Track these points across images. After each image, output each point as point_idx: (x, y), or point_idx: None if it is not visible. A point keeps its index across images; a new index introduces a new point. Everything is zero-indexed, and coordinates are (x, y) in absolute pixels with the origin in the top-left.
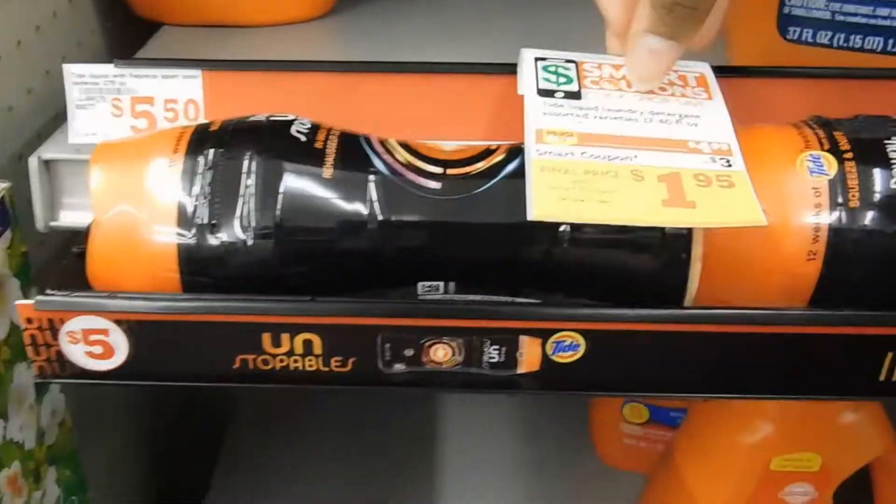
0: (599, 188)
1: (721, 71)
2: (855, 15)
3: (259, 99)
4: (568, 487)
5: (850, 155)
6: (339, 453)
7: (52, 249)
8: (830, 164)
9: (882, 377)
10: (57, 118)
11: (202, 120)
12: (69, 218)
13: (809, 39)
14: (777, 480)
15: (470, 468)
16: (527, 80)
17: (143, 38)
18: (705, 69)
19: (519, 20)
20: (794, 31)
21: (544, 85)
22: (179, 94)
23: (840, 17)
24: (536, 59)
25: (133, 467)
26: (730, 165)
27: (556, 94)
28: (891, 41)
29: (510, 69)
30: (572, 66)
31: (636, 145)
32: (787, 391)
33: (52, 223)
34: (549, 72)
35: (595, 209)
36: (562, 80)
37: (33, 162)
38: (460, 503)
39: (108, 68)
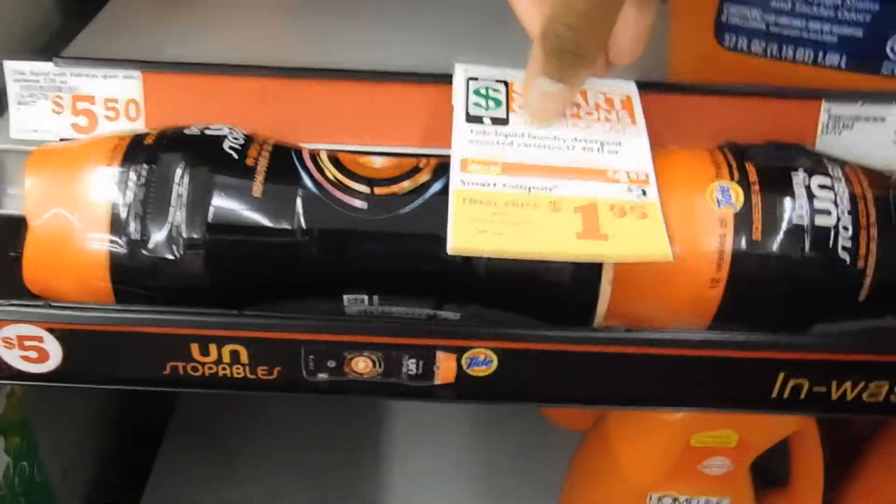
0: (517, 220)
1: (647, 87)
2: (788, 27)
3: (198, 100)
4: (510, 440)
5: (757, 187)
6: (285, 450)
7: None
8: (738, 196)
9: (774, 394)
10: None
11: (142, 121)
12: (12, 205)
13: (744, 48)
14: (697, 454)
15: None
16: (457, 100)
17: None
18: (632, 90)
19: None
20: (731, 39)
21: (473, 111)
22: (120, 94)
23: (774, 29)
24: (469, 80)
25: (86, 434)
26: (645, 195)
27: (484, 120)
28: (820, 53)
29: (445, 79)
30: (502, 87)
31: (557, 174)
32: (686, 404)
33: None
34: (479, 95)
35: (511, 243)
36: (491, 104)
37: None
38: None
39: (49, 66)
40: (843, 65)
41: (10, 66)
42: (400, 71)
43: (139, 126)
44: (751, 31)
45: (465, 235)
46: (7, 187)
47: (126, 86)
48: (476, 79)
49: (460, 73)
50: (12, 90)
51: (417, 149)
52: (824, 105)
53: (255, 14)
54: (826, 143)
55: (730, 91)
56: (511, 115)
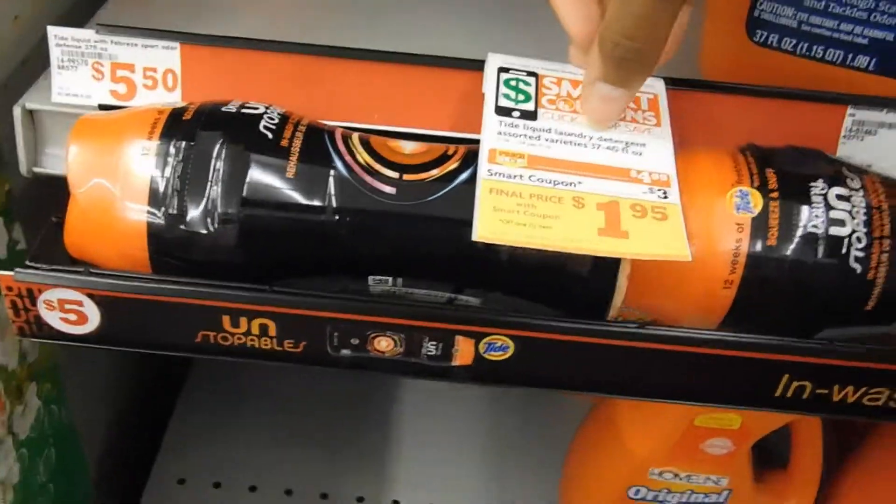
0: (542, 213)
1: (674, 84)
2: (820, 27)
3: (235, 74)
4: (518, 413)
5: (775, 195)
6: (300, 406)
7: (35, 191)
8: (756, 203)
9: (778, 393)
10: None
11: (179, 91)
12: (51, 164)
13: (775, 44)
14: (700, 434)
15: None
16: (489, 89)
17: None
18: (660, 89)
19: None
20: (762, 35)
21: (503, 102)
22: (158, 64)
23: (806, 28)
24: (500, 70)
25: (109, 382)
26: (666, 197)
27: (513, 114)
28: (850, 55)
29: (477, 66)
30: (533, 80)
31: (582, 171)
32: (692, 398)
33: (35, 169)
34: (510, 87)
35: (534, 234)
36: (520, 97)
37: (17, 112)
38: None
39: (90, 33)
40: (872, 67)
41: (53, 31)
42: (433, 55)
43: (176, 96)
44: (782, 28)
45: (490, 224)
46: (47, 147)
47: (165, 56)
48: (507, 70)
49: (493, 62)
50: (54, 54)
51: (447, 132)
52: (849, 110)
53: None
54: (849, 147)
55: (756, 91)
56: (540, 110)
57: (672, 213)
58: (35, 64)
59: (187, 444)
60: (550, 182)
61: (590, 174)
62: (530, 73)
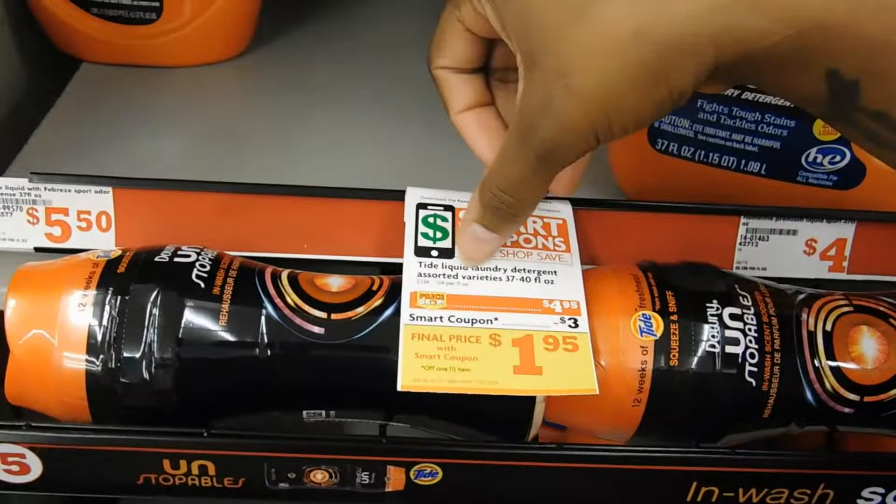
0: (461, 355)
1: (580, 204)
2: (714, 137)
3: (165, 213)
4: None
5: (675, 317)
6: None
7: None
8: (658, 326)
9: (689, 498)
10: None
11: (112, 231)
12: None
13: (675, 152)
14: None
15: None
16: (408, 228)
17: (63, 72)
18: (567, 213)
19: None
20: (663, 143)
21: (422, 242)
22: (92, 207)
23: (701, 137)
24: (418, 207)
25: None
26: (576, 326)
27: (432, 253)
28: (742, 161)
29: (397, 196)
30: (449, 214)
31: (497, 306)
32: None
33: None
34: (428, 225)
35: (455, 378)
36: (438, 234)
37: None
38: None
39: (23, 182)
40: (763, 172)
41: None
42: (353, 188)
43: (110, 236)
44: (681, 137)
45: (413, 372)
46: None
47: (98, 199)
48: (425, 206)
49: (411, 198)
50: None
51: (372, 258)
52: (743, 220)
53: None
54: (745, 253)
55: (658, 207)
56: (456, 247)
57: (582, 344)
58: None
59: None
60: (468, 321)
61: (505, 308)
62: (447, 208)
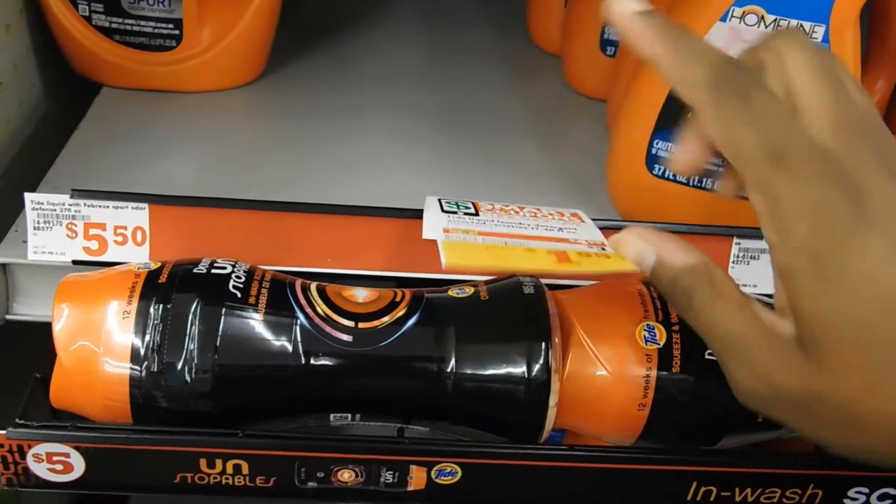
0: (499, 255)
1: None
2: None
3: (198, 229)
4: None
5: (676, 327)
6: None
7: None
8: (661, 335)
9: (689, 497)
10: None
11: (147, 246)
12: (23, 311)
13: (670, 177)
14: None
15: None
16: (430, 206)
17: (85, 96)
18: (578, 211)
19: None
20: (659, 169)
21: (447, 207)
22: (129, 222)
23: None
24: (439, 199)
25: None
26: (604, 249)
27: (458, 213)
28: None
29: (415, 214)
30: (470, 203)
31: (527, 239)
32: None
33: (8, 316)
34: (450, 204)
35: (498, 260)
36: (462, 207)
37: None
38: None
39: (65, 198)
40: None
41: (30, 197)
42: (375, 206)
43: (145, 250)
44: None
45: (455, 257)
46: (18, 296)
47: (134, 215)
48: (447, 199)
49: (432, 200)
50: (30, 217)
51: (392, 273)
52: (735, 240)
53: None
54: (738, 271)
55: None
56: (480, 213)
57: (614, 255)
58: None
59: None
60: (502, 241)
61: (534, 240)
62: (467, 201)
